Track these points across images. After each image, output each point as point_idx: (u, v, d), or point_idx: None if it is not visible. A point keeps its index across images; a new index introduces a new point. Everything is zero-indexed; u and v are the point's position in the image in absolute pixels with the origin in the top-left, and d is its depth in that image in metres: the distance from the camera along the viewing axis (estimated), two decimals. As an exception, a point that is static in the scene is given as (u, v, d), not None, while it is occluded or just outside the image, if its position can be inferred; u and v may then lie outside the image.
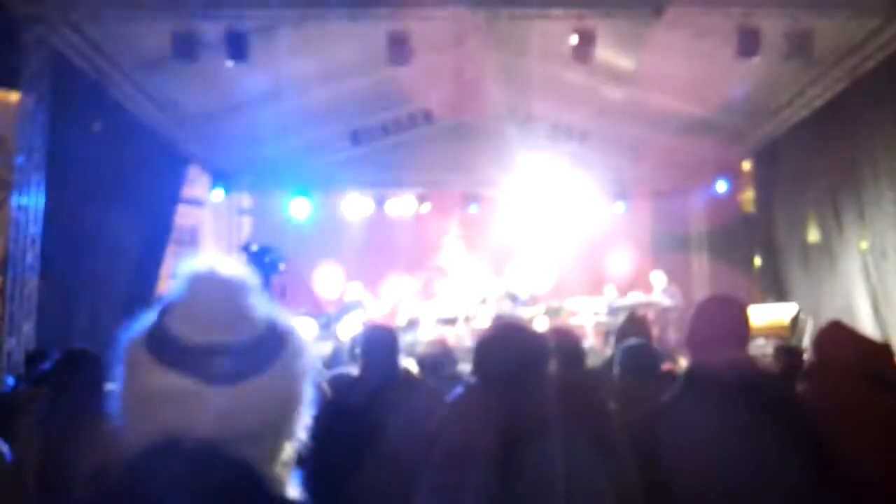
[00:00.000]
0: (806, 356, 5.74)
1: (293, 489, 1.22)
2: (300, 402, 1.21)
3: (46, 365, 5.15)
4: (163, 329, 1.16)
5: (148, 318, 1.19)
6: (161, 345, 1.15)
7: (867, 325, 9.49)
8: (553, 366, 3.06)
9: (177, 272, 1.22)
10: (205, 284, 1.20)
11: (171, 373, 1.12)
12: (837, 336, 3.33)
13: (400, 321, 12.52)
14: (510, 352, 2.75)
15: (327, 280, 14.65)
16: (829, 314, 8.91)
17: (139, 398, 1.15)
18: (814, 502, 2.51)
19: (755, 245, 13.40)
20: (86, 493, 1.21)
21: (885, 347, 3.52)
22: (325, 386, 5.60)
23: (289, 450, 1.22)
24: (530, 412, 2.62)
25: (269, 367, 1.17)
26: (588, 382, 5.22)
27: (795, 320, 10.46)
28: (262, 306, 1.22)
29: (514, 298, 12.62)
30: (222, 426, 1.12)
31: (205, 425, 1.12)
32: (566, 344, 4.12)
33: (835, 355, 3.21)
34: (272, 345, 1.19)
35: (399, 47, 9.67)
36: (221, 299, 1.18)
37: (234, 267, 1.24)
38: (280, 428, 1.19)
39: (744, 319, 2.92)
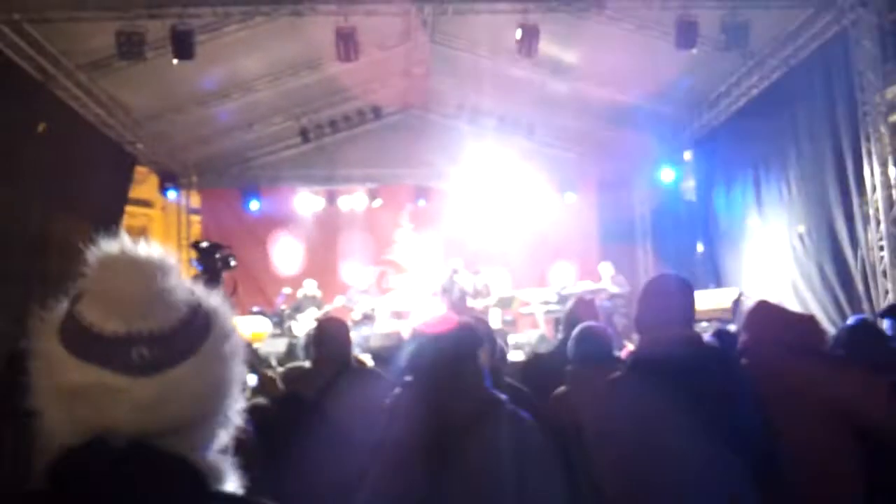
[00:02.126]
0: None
1: (231, 479, 1.14)
2: (231, 385, 1.14)
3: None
4: (75, 318, 1.06)
5: (61, 308, 1.10)
6: (75, 335, 1.05)
7: (800, 304, 9.91)
8: (484, 356, 3.11)
9: (87, 257, 1.10)
10: (117, 268, 1.08)
11: (87, 365, 1.04)
12: (765, 313, 3.45)
13: (355, 316, 12.59)
14: (438, 346, 2.75)
15: (280, 277, 14.63)
16: (766, 296, 9.26)
17: (56, 394, 1.05)
18: (754, 477, 2.57)
19: (697, 232, 13.74)
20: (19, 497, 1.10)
21: (809, 318, 3.67)
22: (278, 379, 5.67)
23: (224, 437, 1.15)
24: (462, 409, 2.64)
25: (194, 353, 1.08)
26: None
27: (737, 303, 10.80)
28: (182, 288, 1.11)
29: (462, 292, 12.75)
30: (146, 419, 1.04)
31: (127, 420, 1.04)
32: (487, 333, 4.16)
33: (764, 330, 3.31)
34: (196, 329, 1.10)
35: (346, 43, 9.75)
36: (136, 283, 1.07)
37: (149, 248, 1.12)
38: (211, 415, 1.12)
39: (689, 297, 2.97)
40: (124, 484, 1.02)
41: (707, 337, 7.54)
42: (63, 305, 1.10)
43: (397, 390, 2.96)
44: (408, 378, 2.90)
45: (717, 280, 12.63)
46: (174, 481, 1.05)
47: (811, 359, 3.17)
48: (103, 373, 1.03)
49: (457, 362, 2.70)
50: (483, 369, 2.82)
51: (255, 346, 10.56)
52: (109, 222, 11.98)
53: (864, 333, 3.83)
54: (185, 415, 1.07)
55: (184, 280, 1.13)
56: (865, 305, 9.06)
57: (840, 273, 9.60)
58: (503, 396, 2.78)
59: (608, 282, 13.03)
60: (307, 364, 5.38)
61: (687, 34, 9.60)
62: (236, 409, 1.15)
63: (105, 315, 1.05)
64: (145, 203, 14.73)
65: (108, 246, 1.11)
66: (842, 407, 2.95)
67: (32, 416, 1.09)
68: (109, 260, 1.09)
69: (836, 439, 2.94)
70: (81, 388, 1.03)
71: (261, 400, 4.89)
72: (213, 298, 1.16)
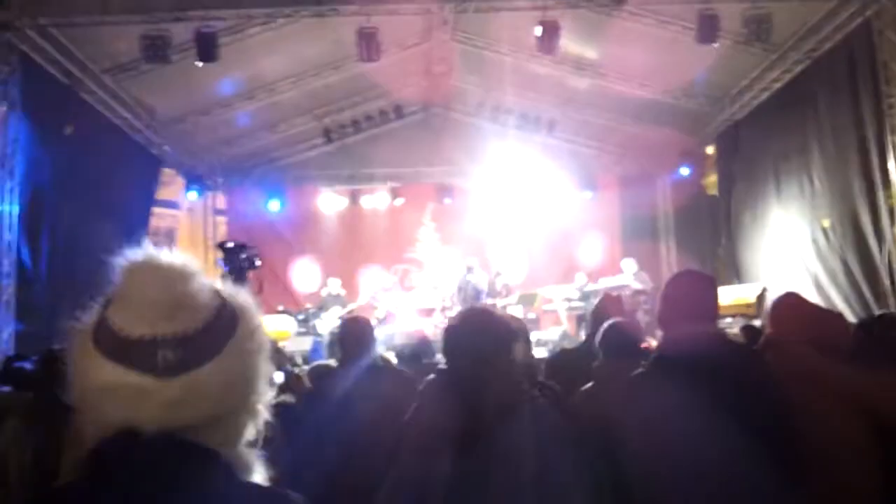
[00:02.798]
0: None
1: (259, 470, 1.19)
2: (257, 380, 1.19)
3: (27, 366, 5.20)
4: (106, 322, 1.12)
5: (94, 312, 1.17)
6: (106, 338, 1.11)
7: (823, 298, 9.84)
8: (518, 350, 3.14)
9: (115, 264, 1.17)
10: (142, 275, 1.14)
11: (117, 366, 1.09)
12: (792, 307, 3.36)
13: (379, 314, 12.67)
14: (475, 337, 2.76)
15: (304, 276, 14.75)
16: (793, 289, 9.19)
17: (89, 392, 1.11)
18: (777, 474, 2.54)
19: (719, 227, 13.68)
20: (57, 490, 1.18)
21: (837, 315, 3.60)
22: (305, 377, 5.73)
23: (252, 430, 1.19)
24: (496, 398, 2.65)
25: (219, 353, 1.13)
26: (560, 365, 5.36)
27: (761, 298, 10.74)
28: (206, 291, 1.16)
29: (476, 290, 12.81)
30: (173, 417, 1.09)
31: (154, 417, 1.09)
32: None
33: (790, 325, 3.23)
34: (221, 328, 1.15)
35: (368, 43, 9.81)
36: (160, 289, 1.13)
37: (172, 254, 1.18)
38: (238, 410, 1.17)
39: (713, 293, 2.94)
40: (158, 472, 1.08)
41: (735, 331, 7.49)
42: (96, 309, 1.16)
43: (431, 377, 2.98)
44: (441, 366, 2.94)
45: (740, 275, 12.56)
46: (205, 470, 1.11)
47: (838, 358, 3.09)
48: (132, 374, 1.09)
49: (491, 353, 2.72)
50: (515, 363, 2.84)
51: (281, 344, 10.66)
52: (137, 224, 12.15)
53: (882, 329, 3.76)
54: (210, 412, 1.13)
55: (207, 282, 1.18)
56: (891, 300, 8.98)
57: (865, 267, 9.51)
58: (534, 391, 2.82)
59: (630, 278, 13.01)
60: (332, 362, 5.43)
61: (708, 29, 9.56)
62: (264, 404, 1.20)
63: (132, 320, 1.11)
64: (171, 204, 14.86)
65: (134, 254, 1.17)
66: (867, 407, 2.89)
67: (69, 414, 1.16)
68: (134, 267, 1.15)
69: (861, 439, 2.87)
70: (112, 387, 1.09)
71: (287, 397, 4.97)
72: (240, 295, 1.22)
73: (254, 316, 1.21)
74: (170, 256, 1.17)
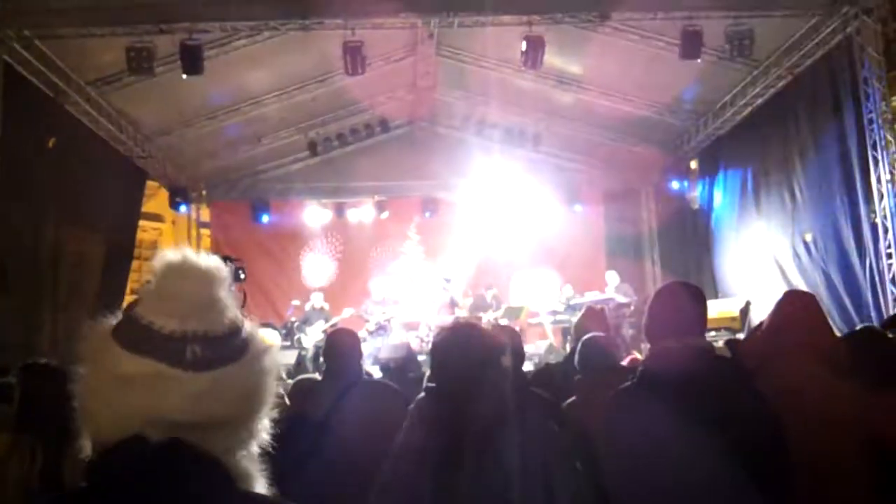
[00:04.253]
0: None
1: (259, 483, 1.22)
2: (267, 396, 1.23)
3: (9, 378, 5.13)
4: (133, 319, 1.17)
5: (111, 318, 1.21)
6: (132, 334, 1.16)
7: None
8: (507, 364, 3.12)
9: (151, 262, 1.23)
10: (179, 273, 1.20)
11: (144, 359, 1.14)
12: (804, 307, 3.26)
13: (370, 327, 12.66)
14: (462, 353, 2.74)
15: (289, 289, 14.69)
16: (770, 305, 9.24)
17: (111, 384, 1.14)
18: (764, 494, 2.49)
19: (703, 241, 13.75)
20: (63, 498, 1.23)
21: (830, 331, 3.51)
22: (284, 396, 5.67)
23: (253, 445, 1.23)
24: (484, 414, 2.64)
25: (238, 360, 1.19)
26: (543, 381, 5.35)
27: (745, 312, 10.80)
28: (231, 301, 1.23)
29: (453, 302, 12.85)
30: (196, 409, 1.13)
31: (178, 408, 1.13)
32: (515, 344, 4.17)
33: (787, 334, 3.14)
34: (240, 339, 1.21)
35: (353, 57, 9.84)
36: (195, 288, 1.19)
37: (207, 258, 1.24)
38: (248, 418, 1.21)
39: (700, 306, 2.88)
40: (163, 479, 1.11)
41: (719, 345, 7.50)
42: (112, 318, 1.21)
43: (420, 395, 2.96)
44: (430, 384, 2.91)
45: (723, 289, 12.62)
46: (207, 478, 1.14)
47: (835, 375, 3.03)
48: (159, 365, 1.14)
49: (479, 367, 2.71)
50: (506, 375, 2.83)
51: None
52: (123, 236, 12.08)
53: (866, 343, 3.76)
54: (227, 412, 1.18)
55: (231, 294, 1.25)
56: (873, 314, 9.05)
57: (847, 281, 9.59)
58: (525, 402, 2.80)
59: (613, 290, 13.05)
60: (317, 376, 5.37)
61: (691, 44, 9.66)
62: (266, 422, 1.25)
63: (165, 315, 1.17)
64: (156, 217, 14.81)
65: (172, 254, 1.24)
66: (867, 430, 2.86)
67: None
68: (172, 265, 1.22)
69: (858, 462, 2.84)
70: (139, 377, 1.14)
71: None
72: (250, 324, 1.27)
73: (263, 340, 1.27)
74: (205, 259, 1.24)
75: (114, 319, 1.21)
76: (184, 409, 1.13)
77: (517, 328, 12.98)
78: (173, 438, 1.12)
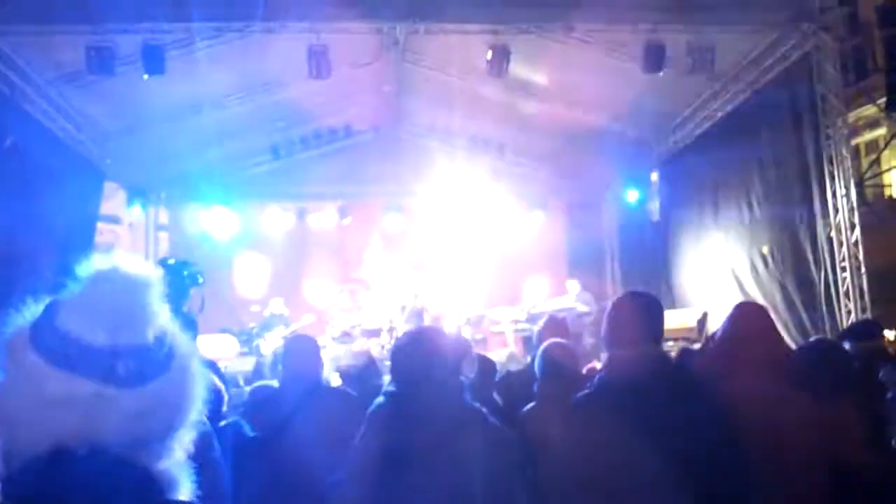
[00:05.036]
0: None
1: (184, 487, 1.17)
2: (196, 402, 1.19)
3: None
4: (57, 329, 1.09)
5: (29, 315, 1.13)
6: (55, 346, 1.07)
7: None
8: (465, 369, 3.12)
9: (76, 270, 1.16)
10: (109, 283, 1.14)
11: (72, 376, 1.06)
12: (757, 318, 3.30)
13: (333, 333, 12.58)
14: (422, 358, 2.77)
15: (248, 294, 14.53)
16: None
17: (38, 405, 1.05)
18: (722, 494, 2.56)
19: (661, 252, 13.90)
20: None
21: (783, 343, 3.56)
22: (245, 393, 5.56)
23: (181, 448, 1.18)
24: (441, 417, 2.66)
25: (169, 367, 1.13)
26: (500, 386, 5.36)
27: (702, 323, 10.93)
28: (161, 306, 1.18)
29: (420, 312, 12.84)
30: (134, 429, 1.08)
31: (116, 429, 1.07)
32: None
33: (743, 346, 3.15)
34: (168, 345, 1.15)
35: (318, 61, 9.78)
36: (126, 298, 1.13)
37: (138, 265, 1.19)
38: (176, 427, 1.16)
39: (657, 315, 2.95)
40: (89, 492, 1.04)
41: (674, 355, 7.58)
42: (25, 317, 1.12)
43: (379, 399, 2.95)
44: (390, 388, 2.90)
45: (676, 299, 12.77)
46: (135, 488, 1.08)
47: (789, 386, 3.07)
48: (90, 383, 1.06)
49: (438, 375, 2.73)
50: (464, 381, 2.84)
51: (222, 364, 10.47)
52: (80, 238, 11.82)
53: (821, 354, 3.83)
54: (161, 427, 1.12)
55: (158, 298, 1.17)
56: (828, 326, 9.22)
57: (804, 294, 9.75)
58: (483, 409, 2.80)
59: (573, 299, 13.13)
60: (275, 383, 5.29)
61: (654, 58, 9.76)
62: (193, 425, 1.20)
63: (90, 327, 1.08)
64: (112, 219, 14.56)
65: (100, 260, 1.17)
66: (819, 441, 2.91)
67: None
68: (101, 274, 1.15)
69: (809, 472, 2.88)
70: (69, 399, 1.05)
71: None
72: (167, 320, 1.19)
73: (186, 338, 1.21)
74: (134, 265, 1.17)
75: (22, 320, 1.12)
76: (120, 430, 1.07)
77: (480, 336, 13.06)
78: (98, 450, 1.05)
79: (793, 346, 8.39)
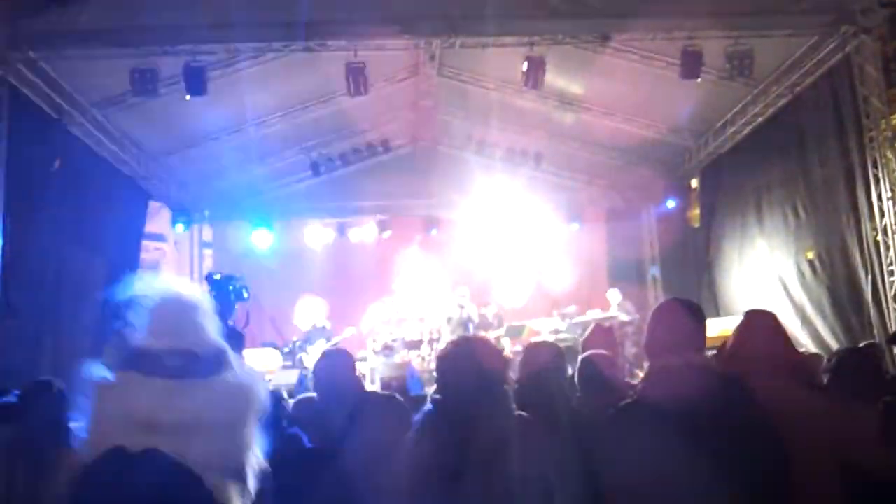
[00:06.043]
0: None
1: (237, 501, 1.26)
2: (256, 406, 1.36)
3: (10, 399, 5.11)
4: (132, 342, 1.35)
5: (117, 344, 1.36)
6: (131, 356, 1.33)
7: (809, 330, 9.93)
8: (511, 380, 3.11)
9: (139, 290, 1.41)
10: (168, 304, 1.42)
11: (146, 377, 1.30)
12: (768, 328, 3.27)
13: (375, 346, 12.65)
14: (469, 368, 2.75)
15: (291, 309, 14.68)
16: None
17: (116, 408, 1.27)
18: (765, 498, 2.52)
19: (703, 260, 13.75)
20: None
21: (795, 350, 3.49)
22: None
23: (240, 463, 1.29)
24: (490, 428, 2.64)
25: (225, 370, 1.38)
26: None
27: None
28: (211, 323, 1.46)
29: (468, 321, 12.85)
30: (198, 412, 1.28)
31: (182, 413, 1.27)
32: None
33: (762, 348, 3.14)
34: (218, 358, 1.40)
35: (356, 78, 9.89)
36: (184, 315, 1.41)
37: (192, 289, 1.48)
38: (236, 429, 1.31)
39: (700, 323, 2.89)
40: (145, 492, 1.17)
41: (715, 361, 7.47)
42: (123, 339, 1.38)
43: (427, 407, 2.94)
44: (436, 396, 2.90)
45: (720, 307, 12.61)
46: (188, 493, 1.20)
47: (809, 390, 3.06)
48: (158, 380, 1.29)
49: (486, 383, 2.72)
50: (510, 392, 2.83)
51: (267, 377, 10.59)
52: (126, 257, 12.05)
53: (852, 361, 3.77)
54: (222, 416, 1.29)
55: (212, 319, 1.46)
56: (878, 331, 9.04)
57: (852, 299, 9.57)
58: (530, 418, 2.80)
59: (615, 309, 13.05)
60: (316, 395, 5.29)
61: (692, 64, 9.71)
62: (252, 448, 1.34)
63: (159, 337, 1.35)
64: (158, 237, 14.81)
65: (160, 285, 1.44)
66: (836, 445, 2.88)
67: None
68: (160, 299, 1.41)
69: (827, 478, 2.85)
70: (142, 390, 1.29)
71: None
72: (216, 333, 1.47)
73: (252, 369, 1.49)
74: (189, 290, 1.48)
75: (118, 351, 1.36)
76: (188, 413, 1.27)
77: (520, 347, 13.02)
78: (155, 451, 1.22)
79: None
